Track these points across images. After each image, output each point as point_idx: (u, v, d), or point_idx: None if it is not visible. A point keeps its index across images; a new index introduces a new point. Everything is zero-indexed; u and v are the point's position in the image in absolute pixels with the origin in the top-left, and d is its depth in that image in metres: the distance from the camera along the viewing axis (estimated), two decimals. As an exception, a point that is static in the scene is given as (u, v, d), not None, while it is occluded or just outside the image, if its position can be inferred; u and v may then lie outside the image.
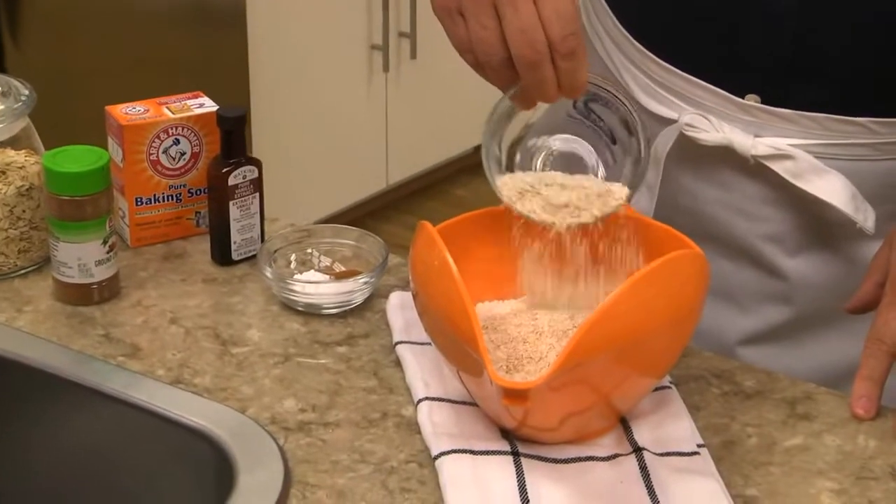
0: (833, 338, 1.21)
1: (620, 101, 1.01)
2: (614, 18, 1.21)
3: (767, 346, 1.22)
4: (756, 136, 1.13)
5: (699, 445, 0.99)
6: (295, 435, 1.01)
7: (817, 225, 1.17)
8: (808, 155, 1.12)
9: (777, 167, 1.13)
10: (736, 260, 1.20)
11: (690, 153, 1.17)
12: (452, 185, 3.53)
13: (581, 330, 0.89)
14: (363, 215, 3.32)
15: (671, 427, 1.00)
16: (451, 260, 0.95)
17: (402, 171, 3.37)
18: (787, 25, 1.10)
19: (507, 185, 1.01)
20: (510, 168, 1.03)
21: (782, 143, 1.13)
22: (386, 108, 3.24)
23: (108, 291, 1.16)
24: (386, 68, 3.16)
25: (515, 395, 0.89)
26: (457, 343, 0.95)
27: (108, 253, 1.15)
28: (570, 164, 1.04)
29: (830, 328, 1.21)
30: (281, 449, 0.99)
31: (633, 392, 0.99)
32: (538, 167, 1.04)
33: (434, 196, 3.50)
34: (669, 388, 1.04)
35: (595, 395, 0.95)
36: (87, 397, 1.05)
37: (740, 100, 1.13)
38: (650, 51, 1.17)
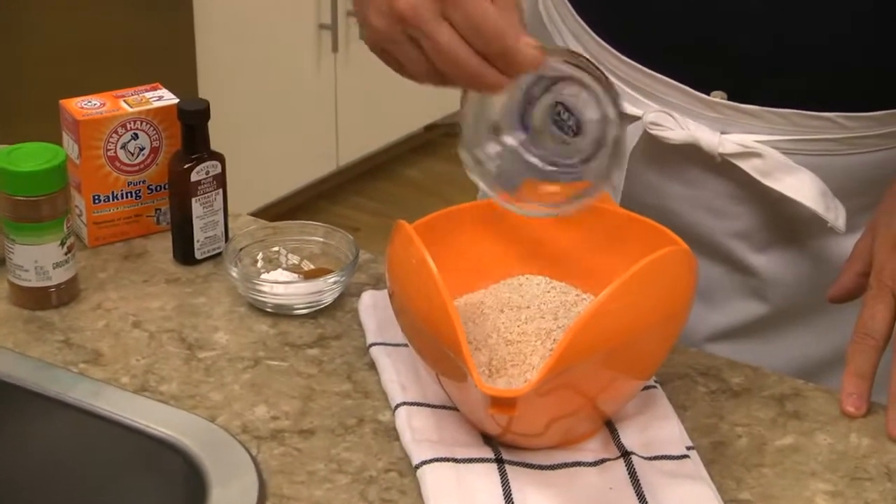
0: (805, 333, 1.19)
1: (594, 73, 0.95)
2: (573, 11, 1.17)
3: (738, 342, 1.19)
4: (722, 132, 1.10)
5: (688, 448, 0.96)
6: (268, 444, 0.97)
7: (785, 221, 1.14)
8: (776, 152, 1.10)
9: (745, 165, 1.10)
10: (704, 256, 1.16)
11: (655, 151, 1.14)
12: (403, 165, 3.49)
13: (570, 333, 0.86)
14: (314, 197, 3.28)
15: (658, 429, 0.97)
16: (430, 259, 0.91)
17: (353, 151, 3.32)
18: (753, 21, 1.07)
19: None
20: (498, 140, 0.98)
21: (749, 140, 1.10)
22: (336, 89, 3.19)
23: (66, 294, 1.12)
24: (335, 48, 3.11)
25: (503, 403, 0.86)
26: (437, 346, 0.91)
27: (66, 254, 1.10)
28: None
29: (803, 323, 1.19)
30: (254, 459, 0.95)
31: (622, 394, 0.95)
32: (540, 121, 0.97)
33: (385, 177, 3.45)
34: (654, 387, 1.01)
35: (583, 399, 0.92)
36: (48, 407, 1.01)
37: (706, 96, 1.10)
38: (611, 45, 1.13)
